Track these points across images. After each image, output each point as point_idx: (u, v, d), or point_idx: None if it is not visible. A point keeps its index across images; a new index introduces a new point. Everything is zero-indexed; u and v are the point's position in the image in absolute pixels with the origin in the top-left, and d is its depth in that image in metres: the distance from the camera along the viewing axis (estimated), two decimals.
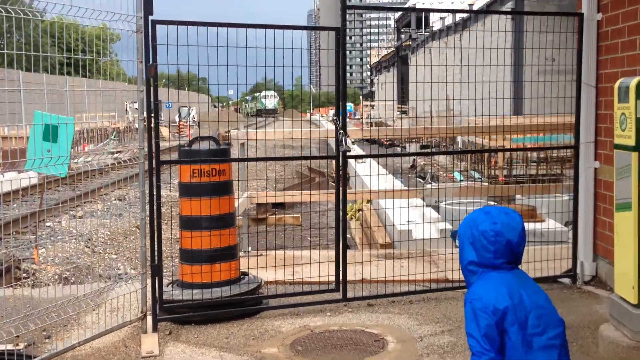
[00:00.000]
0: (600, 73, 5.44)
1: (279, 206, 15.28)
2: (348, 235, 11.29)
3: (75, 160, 7.11)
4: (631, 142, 3.79)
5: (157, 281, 4.72)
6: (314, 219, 12.52)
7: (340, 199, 5.09)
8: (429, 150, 20.72)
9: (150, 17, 4.46)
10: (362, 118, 44.35)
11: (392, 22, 61.79)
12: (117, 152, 33.42)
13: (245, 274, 5.38)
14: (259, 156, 6.48)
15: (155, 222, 4.65)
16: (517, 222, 2.78)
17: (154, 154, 4.52)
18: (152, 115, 4.57)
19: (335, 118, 5.03)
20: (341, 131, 4.96)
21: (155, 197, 4.61)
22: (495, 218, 2.73)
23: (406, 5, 50.90)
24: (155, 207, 4.62)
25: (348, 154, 5.01)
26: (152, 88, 4.54)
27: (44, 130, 6.47)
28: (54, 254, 9.76)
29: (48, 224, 11.93)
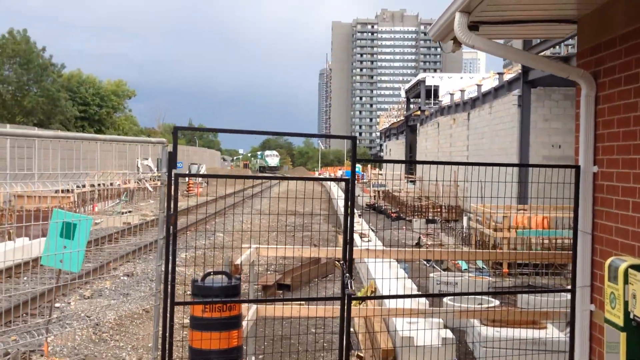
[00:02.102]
0: (596, 222, 5.71)
1: (285, 287, 15.47)
2: (351, 329, 11.44)
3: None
4: (620, 322, 4.03)
5: None
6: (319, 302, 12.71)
7: (345, 339, 5.31)
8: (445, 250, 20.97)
9: (173, 171, 4.78)
10: (369, 183, 44.86)
11: (402, 91, 62.81)
12: (127, 212, 33.38)
13: None
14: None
15: None
16: None
17: (168, 312, 4.76)
18: (170, 268, 4.84)
19: (342, 262, 5.29)
20: (347, 275, 5.22)
21: (168, 339, 4.84)
22: None
23: (416, 79, 51.91)
24: (167, 349, 4.85)
25: (353, 297, 5.25)
26: (171, 236, 4.82)
27: (61, 227, 6.77)
28: (62, 343, 9.94)
29: (57, 304, 12.14)
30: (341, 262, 5.33)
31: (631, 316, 3.97)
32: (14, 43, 58.33)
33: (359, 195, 40.76)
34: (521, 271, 15.34)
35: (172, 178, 4.83)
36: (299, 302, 6.80)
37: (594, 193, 5.74)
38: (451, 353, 8.67)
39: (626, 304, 3.99)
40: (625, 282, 3.99)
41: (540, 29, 7.01)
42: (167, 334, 4.88)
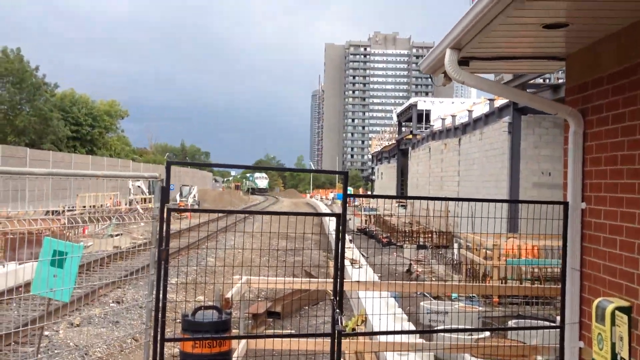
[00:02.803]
0: (584, 259, 5.75)
1: (274, 315, 15.41)
2: None
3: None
4: None
5: None
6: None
7: None
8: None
9: (165, 206, 4.80)
10: (360, 207, 44.86)
11: (393, 114, 63.15)
12: (117, 234, 33.15)
13: None
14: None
15: None
16: None
17: (158, 348, 4.76)
18: (162, 295, 4.84)
19: (333, 298, 5.31)
20: (337, 311, 5.23)
21: None
22: None
23: (408, 102, 52.26)
24: None
25: (343, 333, 5.26)
26: (162, 270, 4.83)
27: (52, 256, 6.76)
28: None
29: (46, 333, 12.04)
30: (332, 298, 5.35)
31: (618, 358, 4.00)
32: (7, 62, 58.32)
33: (349, 219, 40.75)
34: (511, 301, 15.35)
35: (165, 213, 4.85)
36: (289, 336, 6.78)
37: (582, 229, 5.79)
38: None
39: (613, 345, 4.03)
40: (612, 323, 4.02)
41: (529, 65, 7.12)
42: None
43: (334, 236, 5.37)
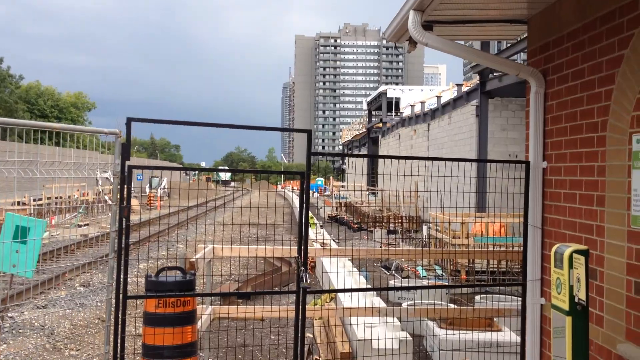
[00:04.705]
0: (545, 216, 5.83)
1: (244, 296, 15.38)
2: (310, 335, 11.42)
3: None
4: (565, 306, 4.12)
5: None
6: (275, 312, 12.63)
7: (300, 333, 5.31)
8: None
9: (126, 163, 4.74)
10: (331, 195, 44.92)
11: (364, 104, 63.28)
12: (85, 224, 32.76)
13: None
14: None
15: (118, 355, 4.81)
16: None
17: (120, 305, 4.71)
18: (123, 253, 4.79)
19: (297, 255, 5.31)
20: (302, 268, 5.23)
21: (120, 334, 4.78)
22: None
23: (377, 92, 52.40)
24: (119, 343, 4.78)
25: (308, 290, 5.27)
26: (124, 229, 4.78)
27: (15, 231, 6.64)
28: (15, 352, 9.70)
29: (10, 314, 11.86)
30: (296, 257, 5.35)
31: (576, 300, 4.06)
32: None
33: (320, 207, 40.81)
34: (479, 277, 15.54)
35: (126, 170, 4.80)
36: (254, 302, 6.75)
37: (543, 188, 5.87)
38: (409, 356, 8.73)
39: (571, 288, 4.08)
40: (570, 266, 4.08)
41: (492, 30, 7.17)
42: (120, 328, 4.82)
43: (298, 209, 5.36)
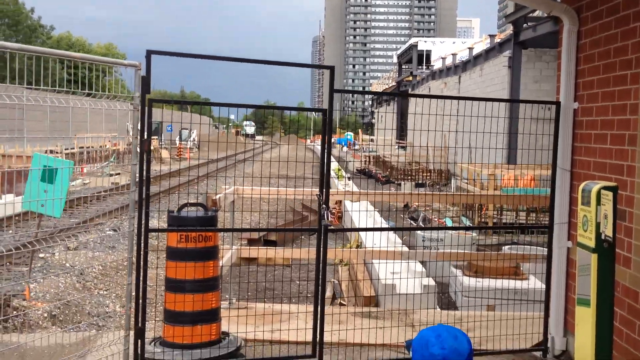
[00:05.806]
0: (574, 159, 5.69)
1: (271, 243, 15.51)
2: (335, 281, 11.50)
3: (73, 183, 7.25)
4: (592, 243, 4.03)
5: (139, 344, 4.91)
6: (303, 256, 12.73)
7: (320, 271, 5.31)
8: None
9: (147, 96, 4.70)
10: (360, 149, 44.78)
11: (394, 58, 62.45)
12: (116, 174, 33.29)
13: (226, 334, 5.57)
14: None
15: (140, 287, 4.86)
16: (465, 348, 2.98)
17: (142, 260, 4.73)
18: (144, 182, 4.79)
19: (319, 194, 5.26)
20: (324, 206, 5.19)
21: (142, 266, 4.82)
22: (444, 343, 2.95)
23: (408, 44, 51.52)
24: (142, 275, 4.83)
25: (329, 227, 5.24)
26: (145, 162, 4.77)
27: (42, 172, 6.70)
28: (46, 290, 9.93)
29: (41, 255, 12.12)
30: (317, 194, 5.31)
31: (602, 237, 3.97)
32: (2, 3, 57.52)
33: (349, 161, 40.74)
34: (506, 230, 15.42)
35: (146, 103, 4.76)
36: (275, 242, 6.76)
37: (573, 130, 5.71)
38: (433, 301, 8.73)
39: (598, 225, 3.99)
40: (598, 203, 3.98)
41: None
42: (142, 261, 4.86)
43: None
